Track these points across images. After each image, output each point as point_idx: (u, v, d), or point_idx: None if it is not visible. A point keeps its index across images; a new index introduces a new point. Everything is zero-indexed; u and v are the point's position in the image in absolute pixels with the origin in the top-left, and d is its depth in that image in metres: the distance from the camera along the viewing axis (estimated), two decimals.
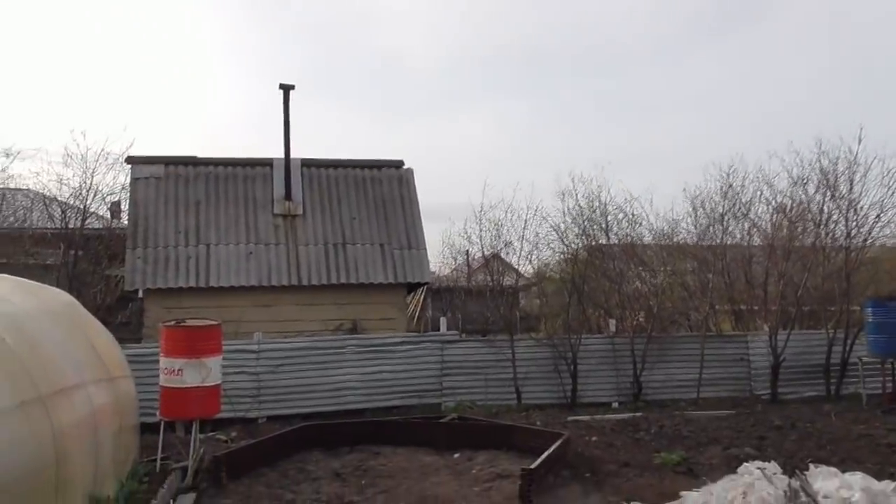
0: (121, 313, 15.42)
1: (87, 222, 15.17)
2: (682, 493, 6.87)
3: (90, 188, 14.99)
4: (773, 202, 15.38)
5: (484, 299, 15.81)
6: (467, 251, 19.20)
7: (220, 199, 14.10)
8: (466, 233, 14.95)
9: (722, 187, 15.42)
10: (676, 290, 15.38)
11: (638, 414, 11.54)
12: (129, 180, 14.32)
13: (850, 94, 55.69)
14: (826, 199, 14.27)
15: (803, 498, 6.04)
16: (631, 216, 15.27)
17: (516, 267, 15.30)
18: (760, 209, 15.66)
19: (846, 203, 13.97)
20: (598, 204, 14.75)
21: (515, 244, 14.12)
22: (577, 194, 14.66)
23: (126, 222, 15.20)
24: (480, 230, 14.14)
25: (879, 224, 14.17)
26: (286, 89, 14.24)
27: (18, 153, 15.11)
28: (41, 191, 15.66)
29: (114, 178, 15.54)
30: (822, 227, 14.40)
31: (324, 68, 69.81)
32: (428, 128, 68.47)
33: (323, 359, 12.12)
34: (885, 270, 15.70)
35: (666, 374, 13.22)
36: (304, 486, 7.69)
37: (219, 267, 13.27)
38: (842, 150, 14.00)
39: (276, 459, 8.63)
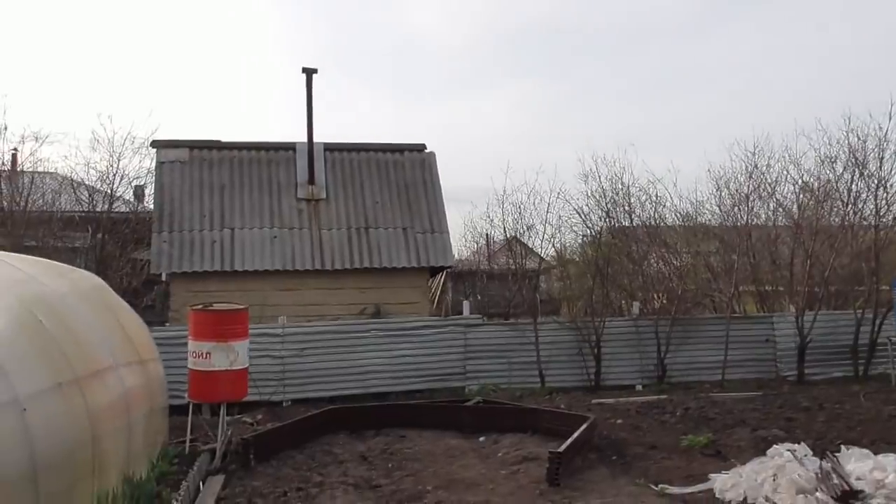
0: (146, 296, 15.60)
1: (113, 206, 15.35)
2: (711, 475, 6.86)
3: (116, 172, 15.16)
4: (800, 181, 15.19)
5: (505, 282, 15.81)
6: (487, 234, 19.18)
7: (244, 184, 14.18)
8: (489, 216, 14.97)
9: (747, 167, 15.28)
10: (700, 271, 15.25)
11: (663, 396, 11.49)
12: (154, 164, 14.45)
13: (881, 67, 54.51)
14: (855, 177, 14.04)
15: (835, 479, 5.99)
16: (654, 198, 15.18)
17: (538, 250, 15.27)
18: (787, 189, 15.48)
19: (875, 181, 13.77)
20: (620, 186, 14.74)
21: (538, 227, 14.10)
22: (599, 176, 14.64)
23: (151, 206, 15.37)
24: (503, 213, 14.13)
25: None
26: (309, 73, 14.22)
27: (47, 137, 15.26)
28: (69, 174, 15.86)
29: (140, 161, 15.74)
30: (850, 206, 14.17)
31: (343, 50, 69.65)
32: (448, 109, 68.20)
33: (347, 342, 12.19)
34: None
35: (690, 356, 13.14)
36: (331, 468, 7.75)
37: (243, 251, 13.36)
38: (871, 126, 13.81)
39: (302, 442, 8.72)
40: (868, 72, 53.33)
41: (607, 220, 14.62)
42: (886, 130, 13.56)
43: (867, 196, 13.90)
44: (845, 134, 14.07)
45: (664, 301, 14.06)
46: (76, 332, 6.52)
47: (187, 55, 67.38)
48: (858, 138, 13.90)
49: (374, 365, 12.17)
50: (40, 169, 15.51)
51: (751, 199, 15.03)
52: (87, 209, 15.24)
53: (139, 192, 17.28)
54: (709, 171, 16.45)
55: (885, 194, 13.69)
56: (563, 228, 14.61)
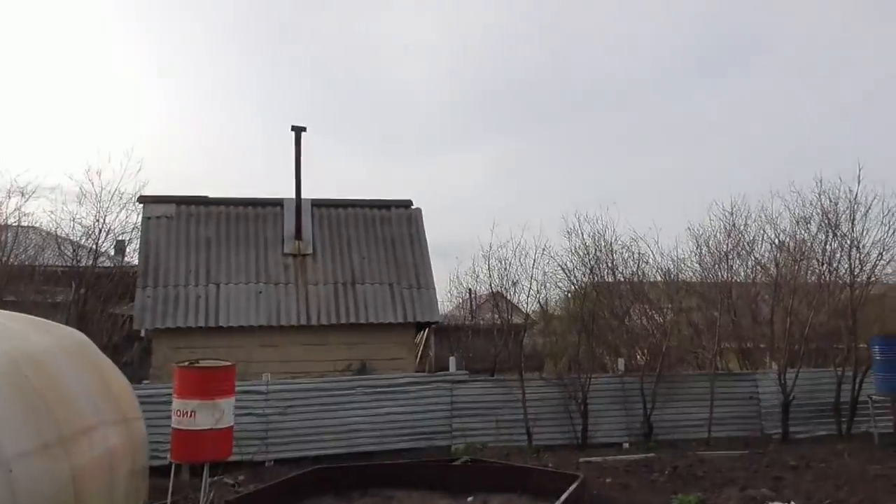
0: (127, 353, 15.37)
1: (98, 261, 15.26)
2: None
3: (102, 227, 15.13)
4: (777, 241, 15.56)
5: (490, 338, 15.83)
6: (469, 289, 19.28)
7: (230, 239, 14.22)
8: (475, 271, 15.12)
9: (726, 226, 15.65)
10: (683, 327, 15.41)
11: (650, 454, 11.46)
12: (140, 219, 14.46)
13: (849, 132, 56.45)
14: (829, 237, 14.41)
15: None
16: (637, 254, 15.45)
17: (521, 305, 15.36)
18: (764, 248, 15.84)
19: (848, 241, 14.10)
20: (603, 243, 15.03)
21: (524, 283, 14.24)
22: (582, 233, 14.99)
23: (134, 260, 15.30)
24: (489, 269, 14.27)
25: (882, 262, 14.31)
26: (298, 131, 14.46)
27: (34, 192, 15.24)
28: (54, 229, 15.79)
29: (126, 216, 15.70)
30: (825, 265, 14.51)
31: (327, 106, 70.63)
32: (433, 165, 68.94)
33: (332, 400, 12.04)
34: (891, 308, 15.76)
35: (676, 413, 13.14)
36: None
37: (228, 306, 13.30)
38: (842, 189, 14.21)
39: None
40: (836, 137, 55.24)
41: (591, 276, 14.84)
42: (856, 193, 14.01)
43: (841, 255, 14.24)
44: (818, 196, 14.53)
45: (648, 357, 14.14)
46: (62, 389, 6.44)
47: (176, 111, 67.94)
48: (830, 200, 14.35)
49: (359, 423, 12.00)
50: (25, 223, 15.44)
51: (730, 257, 15.36)
52: (70, 264, 15.12)
53: (121, 247, 17.22)
54: (689, 229, 16.81)
55: (858, 254, 14.03)
56: (547, 284, 14.79)
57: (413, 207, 15.64)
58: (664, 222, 40.18)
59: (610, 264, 14.99)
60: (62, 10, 60.40)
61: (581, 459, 11.18)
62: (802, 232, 14.97)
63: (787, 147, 56.42)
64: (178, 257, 13.79)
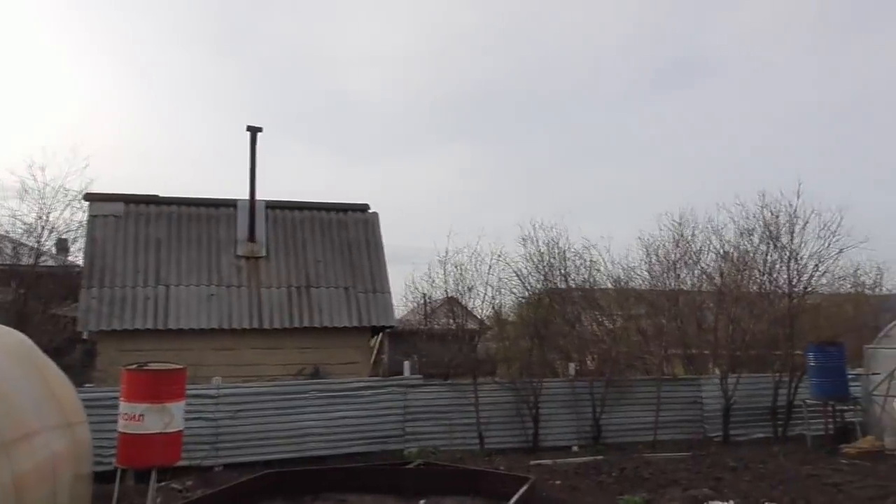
0: (69, 355, 14.90)
1: (40, 260, 14.71)
2: None
3: (45, 225, 14.58)
4: (721, 251, 16.09)
5: (445, 342, 15.92)
6: (424, 294, 19.33)
7: (181, 240, 13.95)
8: (430, 277, 15.15)
9: (674, 236, 16.14)
10: (632, 334, 15.80)
11: (599, 457, 11.72)
12: (86, 218, 14.03)
13: (790, 148, 58.69)
14: (770, 249, 15.00)
15: None
16: (589, 262, 15.75)
17: (476, 311, 15.49)
18: (710, 257, 16.35)
19: (788, 253, 14.70)
20: (557, 250, 15.24)
21: (479, 288, 14.37)
22: (537, 240, 15.15)
23: (78, 260, 14.83)
24: (445, 274, 14.34)
25: (818, 273, 14.98)
26: (253, 131, 14.27)
27: None
28: None
29: (71, 214, 15.11)
30: (766, 275, 15.09)
31: (285, 110, 69.88)
32: (390, 171, 68.92)
33: (284, 404, 11.94)
34: (825, 317, 16.46)
35: (624, 417, 13.48)
36: None
37: (178, 309, 13.06)
38: (783, 203, 14.84)
39: None
40: (779, 151, 57.33)
41: (545, 282, 15.07)
42: (796, 207, 14.66)
43: (781, 266, 14.84)
44: (760, 209, 15.13)
45: (598, 363, 14.45)
46: (1, 392, 6.24)
47: (130, 110, 66.19)
48: (772, 213, 14.96)
49: (312, 427, 11.93)
50: None
51: (678, 266, 15.82)
52: (10, 263, 14.56)
53: (63, 245, 16.66)
54: (639, 238, 17.19)
55: (796, 265, 14.64)
56: (502, 290, 14.94)
57: (370, 212, 15.60)
58: (616, 232, 41.09)
59: (563, 271, 15.24)
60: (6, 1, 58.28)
61: (532, 462, 11.35)
62: (746, 243, 15.59)
63: (733, 161, 58.33)
64: (126, 257, 13.46)
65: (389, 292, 14.46)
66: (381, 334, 17.60)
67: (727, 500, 8.55)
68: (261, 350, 13.15)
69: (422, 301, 19.21)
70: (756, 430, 13.96)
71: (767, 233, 14.97)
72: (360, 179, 67.73)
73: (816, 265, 14.76)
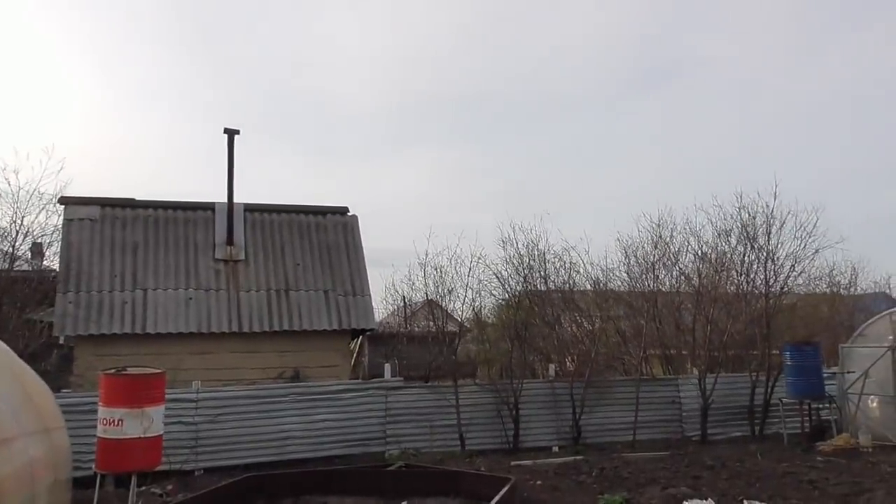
0: (44, 361, 14.71)
1: (14, 264, 14.50)
2: None
3: (20, 229, 14.39)
4: (699, 252, 16.24)
5: (425, 345, 15.93)
6: (403, 297, 19.33)
7: (158, 243, 13.84)
8: (410, 279, 15.13)
9: (652, 237, 16.26)
10: (611, 335, 15.91)
11: (579, 457, 11.79)
12: (62, 221, 13.87)
13: (767, 149, 59.52)
14: (747, 249, 15.14)
15: None
16: (568, 264, 15.83)
17: (456, 313, 15.52)
18: (688, 259, 16.50)
19: (765, 254, 14.85)
20: (536, 252, 15.27)
21: (459, 291, 14.39)
22: (517, 242, 15.16)
23: (53, 264, 14.64)
24: (425, 277, 14.34)
25: (794, 273, 15.19)
26: (231, 134, 14.21)
27: None
28: None
29: (46, 218, 14.92)
30: (743, 275, 15.26)
31: (262, 112, 69.52)
32: (369, 173, 68.82)
33: (264, 407, 11.89)
34: (801, 317, 16.73)
35: (603, 417, 13.58)
36: None
37: (156, 313, 12.95)
38: (759, 204, 14.97)
39: None
40: (756, 152, 58.10)
41: (524, 284, 15.12)
42: (773, 208, 14.81)
43: (758, 267, 14.98)
44: (738, 210, 15.26)
45: (578, 363, 14.55)
46: None
47: (102, 111, 65.44)
48: (749, 214, 15.09)
49: (292, 430, 11.89)
50: None
51: (656, 267, 15.95)
52: None
53: (38, 249, 16.44)
54: (618, 240, 17.31)
55: (773, 266, 14.80)
56: (482, 292, 14.96)
57: (349, 214, 15.57)
58: (594, 233, 41.32)
59: (542, 273, 15.30)
60: None
61: (512, 463, 11.41)
62: (723, 244, 15.71)
63: (711, 162, 59.00)
64: (103, 261, 13.32)
65: (369, 295, 14.45)
66: (360, 337, 17.57)
67: (706, 499, 8.66)
68: (240, 354, 13.08)
69: (402, 304, 19.22)
70: (733, 429, 14.14)
71: (745, 234, 15.11)
72: (339, 182, 67.65)
73: (793, 265, 15.00)
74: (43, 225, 14.87)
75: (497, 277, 14.86)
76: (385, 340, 19.52)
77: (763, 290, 14.79)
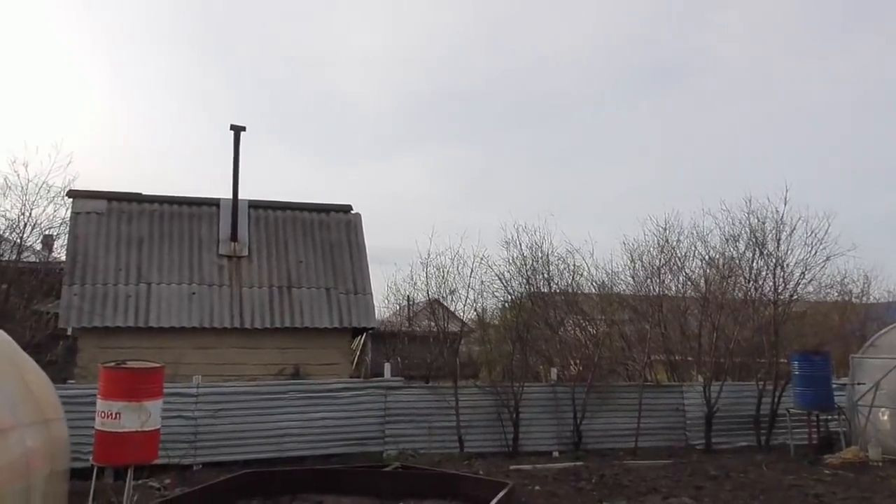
0: (50, 352, 14.79)
1: (22, 256, 14.61)
2: None
3: (28, 221, 14.50)
4: (707, 257, 16.08)
5: (427, 345, 15.88)
6: (408, 296, 19.29)
7: (163, 238, 13.85)
8: (412, 278, 15.06)
9: (659, 241, 16.11)
10: (615, 339, 15.78)
11: (579, 463, 11.68)
12: (69, 214, 13.95)
13: (777, 154, 59.05)
14: (755, 255, 14.93)
15: None
16: (572, 266, 15.73)
17: (458, 313, 15.46)
18: (695, 264, 16.34)
19: (774, 260, 14.63)
20: (540, 254, 15.16)
21: (461, 291, 14.32)
22: (520, 244, 15.04)
23: (61, 256, 14.74)
24: (427, 276, 14.29)
25: (804, 281, 14.95)
26: (237, 130, 14.20)
27: None
28: None
29: (54, 211, 15.10)
30: (751, 282, 15.05)
31: (269, 110, 69.77)
32: (373, 172, 68.94)
33: (264, 404, 11.87)
34: (810, 325, 16.48)
35: (605, 423, 13.44)
36: None
37: (159, 307, 12.96)
38: (769, 209, 14.77)
39: None
40: (765, 157, 57.66)
41: (527, 286, 15.01)
42: (782, 214, 14.58)
43: (766, 273, 14.74)
44: (746, 215, 15.07)
45: (580, 368, 14.43)
46: None
47: (111, 108, 65.86)
48: (758, 220, 14.89)
49: (291, 428, 11.86)
50: None
51: (662, 271, 15.81)
52: None
53: (48, 242, 16.57)
54: (623, 243, 17.17)
55: (782, 273, 14.56)
56: (484, 293, 14.89)
57: (353, 212, 15.54)
58: (599, 236, 41.13)
59: (546, 275, 15.19)
60: None
61: (511, 467, 11.31)
62: (731, 249, 15.53)
63: (719, 166, 58.61)
64: (108, 255, 13.36)
65: (371, 294, 14.38)
66: (364, 335, 17.52)
67: None
68: (241, 349, 13.07)
69: (404, 303, 19.17)
70: (739, 439, 13.94)
71: (753, 239, 14.90)
72: (343, 180, 67.82)
73: (803, 273, 14.75)
74: (51, 217, 15.05)
75: (500, 279, 14.79)
76: (388, 339, 19.47)
77: (772, 298, 14.57)
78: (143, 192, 14.39)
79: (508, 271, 14.89)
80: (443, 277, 14.12)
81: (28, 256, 15.26)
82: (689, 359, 15.52)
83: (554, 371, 14.00)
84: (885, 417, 12.51)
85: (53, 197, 14.74)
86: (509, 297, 15.24)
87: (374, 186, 63.49)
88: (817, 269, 15.03)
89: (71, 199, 14.05)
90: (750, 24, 59.99)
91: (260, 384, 12.28)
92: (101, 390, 8.11)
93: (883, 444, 12.13)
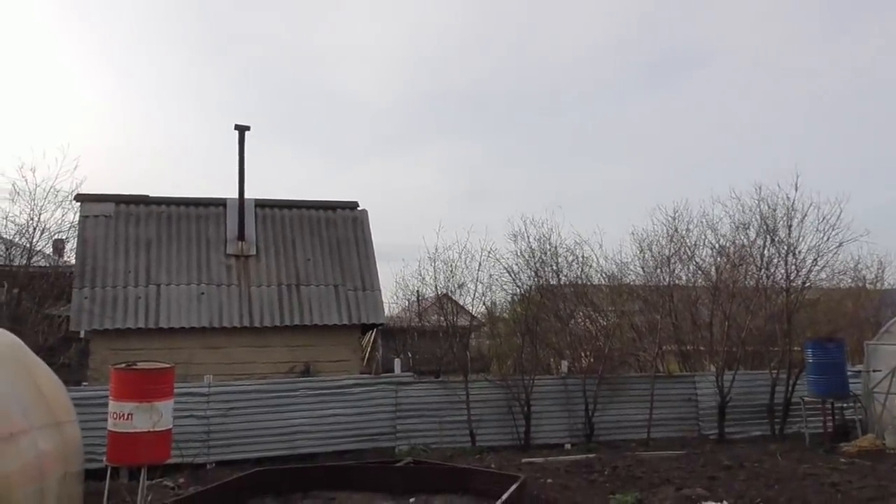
0: (63, 355, 14.90)
1: (32, 260, 14.72)
2: None
3: (37, 226, 14.60)
4: (717, 246, 15.93)
5: (436, 339, 15.85)
6: (417, 292, 19.30)
7: (171, 239, 13.93)
8: (420, 274, 15.03)
9: (668, 231, 15.98)
10: (625, 330, 15.69)
11: (591, 455, 11.64)
12: (77, 218, 14.03)
13: (788, 140, 58.58)
14: (766, 243, 14.76)
15: None
16: (581, 258, 15.64)
17: (468, 308, 15.42)
18: (705, 252, 16.19)
19: (785, 247, 14.46)
20: (548, 246, 15.06)
21: (469, 285, 14.28)
22: (528, 236, 14.96)
23: (71, 260, 14.84)
24: (435, 271, 14.26)
25: (817, 268, 14.75)
26: (241, 130, 14.24)
27: None
28: None
29: (62, 215, 15.18)
30: (763, 270, 14.89)
31: (273, 108, 69.92)
32: (379, 168, 69.02)
33: (275, 402, 11.92)
34: (824, 312, 16.30)
35: (617, 414, 13.39)
36: None
37: (169, 308, 13.03)
38: (780, 196, 14.58)
39: None
40: (776, 142, 57.18)
41: (536, 279, 14.95)
42: (794, 200, 14.38)
43: (778, 261, 14.58)
44: (757, 202, 14.89)
45: (591, 360, 14.36)
46: None
47: (117, 110, 66.19)
48: (769, 207, 14.70)
49: (302, 425, 11.91)
50: None
51: (672, 261, 15.66)
52: (2, 263, 14.55)
53: (59, 246, 16.66)
54: (632, 233, 17.04)
55: (794, 260, 14.40)
56: (493, 287, 14.84)
57: (359, 209, 15.55)
58: (608, 227, 40.97)
59: (554, 267, 15.10)
60: None
61: (523, 460, 11.29)
62: (742, 237, 15.38)
63: (729, 153, 58.21)
64: (117, 257, 13.44)
65: (379, 290, 14.40)
66: (373, 332, 17.51)
67: (721, 500, 8.47)
68: (251, 348, 13.13)
69: (414, 298, 19.14)
70: (753, 428, 13.84)
71: (764, 227, 14.72)
72: (348, 177, 67.91)
73: (815, 259, 14.55)
74: (59, 221, 15.12)
75: (508, 272, 14.74)
76: (396, 335, 19.48)
77: (784, 285, 14.42)
78: (150, 194, 14.48)
79: (517, 264, 14.86)
80: (451, 272, 14.10)
81: (38, 261, 15.36)
82: (701, 348, 15.42)
83: (564, 363, 13.95)
84: None
85: (62, 201, 14.83)
86: (518, 290, 15.22)
87: (381, 183, 63.60)
88: (830, 255, 14.81)
89: (79, 203, 14.14)
90: (760, 11, 59.47)
91: (271, 382, 12.32)
92: (112, 391, 8.16)
93: None
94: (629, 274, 16.51)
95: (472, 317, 15.34)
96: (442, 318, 14.54)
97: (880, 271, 20.70)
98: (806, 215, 14.36)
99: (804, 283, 14.69)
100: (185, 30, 66.17)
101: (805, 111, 63.56)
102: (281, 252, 14.39)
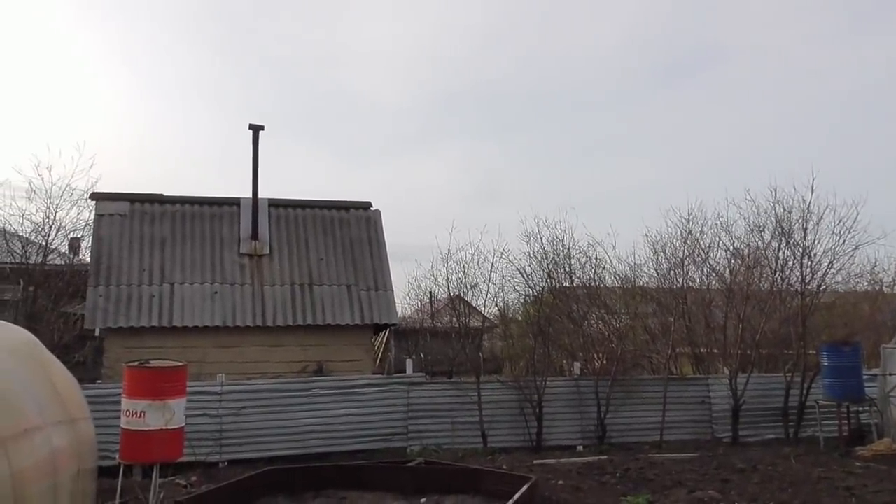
0: (78, 352, 15.02)
1: (48, 258, 14.84)
2: None
3: (53, 224, 14.71)
4: (731, 248, 15.81)
5: (449, 340, 15.84)
6: (430, 292, 19.30)
7: (185, 238, 14.01)
8: (433, 274, 15.03)
9: (682, 233, 15.85)
10: (639, 332, 15.61)
11: (603, 457, 11.59)
12: (93, 217, 14.13)
13: (804, 142, 58.07)
14: (782, 245, 14.64)
15: None
16: (594, 260, 15.59)
17: (480, 309, 15.39)
18: (719, 255, 16.06)
19: (801, 250, 14.31)
20: (561, 247, 15.02)
21: (482, 286, 14.27)
22: (541, 238, 14.91)
23: (87, 258, 14.95)
24: (447, 272, 14.26)
25: (832, 271, 14.62)
26: (255, 130, 14.30)
27: None
28: (1, 226, 15.30)
29: (78, 213, 15.27)
30: (778, 272, 14.77)
31: (288, 108, 70.22)
32: (393, 168, 69.13)
33: (287, 401, 11.96)
34: (839, 316, 16.15)
35: (630, 416, 13.33)
36: None
37: (183, 306, 13.10)
38: (795, 198, 14.44)
39: None
40: (791, 146, 56.71)
41: (549, 280, 14.90)
42: (809, 203, 14.23)
43: (793, 264, 14.43)
44: (772, 205, 14.75)
45: (604, 361, 14.29)
46: (3, 388, 6.26)
47: (134, 111, 66.74)
48: (784, 209, 14.56)
49: (315, 424, 11.95)
50: None
51: (686, 263, 15.54)
52: (19, 261, 14.70)
53: (75, 245, 16.79)
54: (646, 235, 16.94)
55: (809, 262, 14.26)
56: (506, 288, 14.82)
57: (372, 209, 15.59)
58: (622, 229, 40.73)
59: (567, 269, 15.06)
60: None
61: (535, 462, 11.26)
62: (756, 240, 15.24)
63: (744, 155, 57.82)
64: (132, 256, 13.54)
65: (392, 290, 14.42)
66: (386, 332, 17.52)
67: (733, 503, 8.41)
68: (264, 347, 13.19)
69: (426, 299, 19.15)
70: (767, 432, 13.73)
71: (779, 229, 14.57)
72: (362, 177, 68.08)
73: (831, 262, 14.40)
74: (75, 220, 15.22)
75: (521, 273, 14.71)
76: (409, 336, 19.49)
77: (799, 288, 14.28)
78: (165, 193, 14.56)
79: (529, 265, 14.82)
80: (464, 273, 14.11)
81: (54, 259, 15.49)
82: (715, 351, 15.31)
83: (577, 365, 13.89)
84: None
85: (77, 200, 14.91)
86: (531, 292, 15.18)
87: (395, 183, 63.70)
88: (846, 258, 14.68)
89: (94, 202, 14.24)
90: (775, 10, 59.03)
91: (283, 381, 12.37)
92: (125, 389, 8.20)
93: None
94: (643, 276, 16.45)
95: (485, 318, 15.33)
96: (454, 319, 14.53)
97: None
98: (822, 218, 14.24)
99: (819, 286, 14.57)
100: (203, 30, 66.70)
101: (824, 111, 63.04)
102: (294, 252, 14.44)
